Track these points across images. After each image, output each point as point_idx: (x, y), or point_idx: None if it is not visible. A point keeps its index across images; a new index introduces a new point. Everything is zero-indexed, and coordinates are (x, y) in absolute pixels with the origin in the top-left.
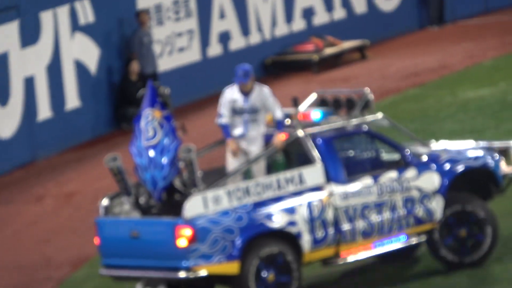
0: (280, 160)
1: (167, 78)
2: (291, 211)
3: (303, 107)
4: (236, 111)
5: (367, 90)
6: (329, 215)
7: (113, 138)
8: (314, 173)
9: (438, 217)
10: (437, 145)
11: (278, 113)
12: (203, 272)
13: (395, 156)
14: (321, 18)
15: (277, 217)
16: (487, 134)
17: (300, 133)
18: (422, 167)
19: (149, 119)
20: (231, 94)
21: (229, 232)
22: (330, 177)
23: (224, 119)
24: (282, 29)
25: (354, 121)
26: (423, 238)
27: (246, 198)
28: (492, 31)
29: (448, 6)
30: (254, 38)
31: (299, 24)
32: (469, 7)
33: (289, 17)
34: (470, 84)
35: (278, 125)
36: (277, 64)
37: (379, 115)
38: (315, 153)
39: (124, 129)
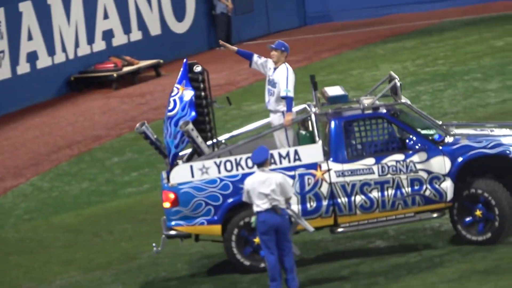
0: (305, 134)
1: None
2: None
3: (330, 89)
4: (267, 80)
5: (393, 74)
6: (323, 189)
7: None
8: (311, 151)
9: (449, 198)
10: (463, 131)
11: (282, 92)
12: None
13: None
14: (119, 39)
15: None
16: None
17: (312, 113)
18: (433, 152)
19: (174, 93)
20: (270, 63)
21: (213, 199)
22: (330, 156)
23: (254, 57)
24: (84, 50)
25: (372, 104)
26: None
27: (236, 170)
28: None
29: (234, 28)
30: (59, 58)
31: (99, 45)
32: (253, 30)
33: (90, 39)
34: (254, 99)
35: (286, 104)
36: (80, 81)
37: (402, 100)
38: (317, 133)
39: None
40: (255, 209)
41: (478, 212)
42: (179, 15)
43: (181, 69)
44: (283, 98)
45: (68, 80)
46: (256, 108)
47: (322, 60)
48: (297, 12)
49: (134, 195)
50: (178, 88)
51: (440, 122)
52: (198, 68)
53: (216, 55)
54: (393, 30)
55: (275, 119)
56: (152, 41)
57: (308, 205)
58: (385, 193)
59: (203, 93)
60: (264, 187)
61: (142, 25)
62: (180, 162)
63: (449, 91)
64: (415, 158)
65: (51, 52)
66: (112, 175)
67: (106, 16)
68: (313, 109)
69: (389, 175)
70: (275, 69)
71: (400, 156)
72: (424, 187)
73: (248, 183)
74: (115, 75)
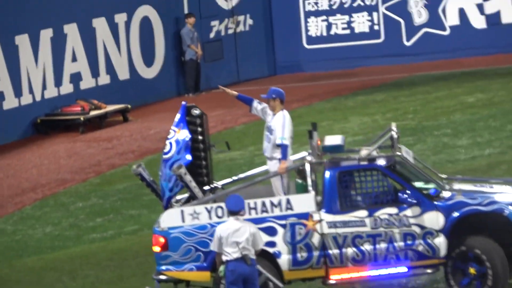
0: (301, 183)
1: None
2: (271, 232)
3: (329, 138)
4: (266, 127)
5: (392, 127)
6: (315, 240)
7: None
8: (304, 200)
9: (442, 254)
10: (464, 186)
11: (277, 140)
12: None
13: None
14: (87, 83)
15: None
16: None
17: (306, 161)
18: (426, 206)
19: (170, 135)
20: (270, 109)
21: (203, 245)
22: (323, 206)
23: (254, 103)
24: (51, 92)
25: (368, 155)
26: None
27: (227, 216)
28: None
29: (203, 75)
30: (26, 99)
31: (67, 87)
32: (223, 77)
33: (58, 81)
34: (221, 147)
35: (281, 151)
36: (46, 124)
37: (397, 153)
38: (311, 183)
39: None
40: (224, 257)
41: (472, 270)
42: (148, 60)
43: (179, 111)
44: (278, 146)
45: (34, 122)
46: (223, 157)
47: (292, 111)
48: (267, 61)
49: (98, 241)
50: (175, 131)
51: (445, 176)
52: (196, 111)
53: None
54: (364, 83)
55: (271, 166)
56: (120, 86)
57: (299, 255)
58: (377, 246)
59: (200, 137)
60: (238, 235)
61: (110, 69)
62: (176, 205)
63: (418, 145)
64: (408, 212)
65: (18, 93)
66: (76, 220)
67: (74, 59)
68: (308, 158)
69: (381, 228)
70: (273, 115)
71: (393, 210)
72: (417, 242)
73: (221, 231)
74: (82, 118)
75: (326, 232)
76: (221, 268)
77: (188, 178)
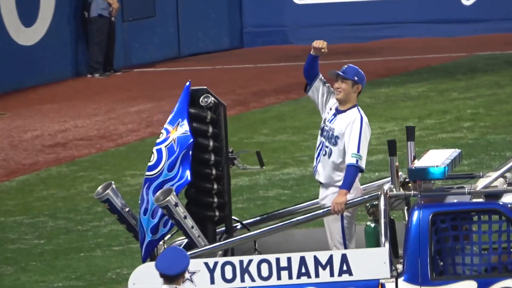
0: (373, 227)
1: None
2: None
3: (432, 154)
4: (322, 129)
5: None
6: None
7: None
8: (371, 259)
9: None
10: None
11: (349, 158)
12: None
13: None
14: None
15: None
16: None
17: (382, 193)
18: None
19: (160, 139)
20: (333, 103)
21: None
22: (404, 271)
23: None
24: None
25: (486, 189)
26: None
27: (240, 280)
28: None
29: (120, 44)
30: None
31: None
32: (153, 49)
33: None
34: (141, 166)
35: (345, 174)
36: None
37: None
38: (384, 230)
39: None
40: None
41: None
42: (28, 16)
43: (179, 100)
44: (350, 166)
45: None
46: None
47: (266, 108)
48: (229, 25)
49: None
50: (168, 132)
51: None
52: (207, 99)
53: (87, 88)
54: (389, 66)
55: (328, 198)
56: None
57: None
58: None
59: (212, 143)
60: None
61: None
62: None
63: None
64: None
65: None
66: None
67: None
68: (386, 187)
69: None
70: (338, 112)
71: None
72: None
73: None
74: None
75: None
76: None
77: (180, 211)
